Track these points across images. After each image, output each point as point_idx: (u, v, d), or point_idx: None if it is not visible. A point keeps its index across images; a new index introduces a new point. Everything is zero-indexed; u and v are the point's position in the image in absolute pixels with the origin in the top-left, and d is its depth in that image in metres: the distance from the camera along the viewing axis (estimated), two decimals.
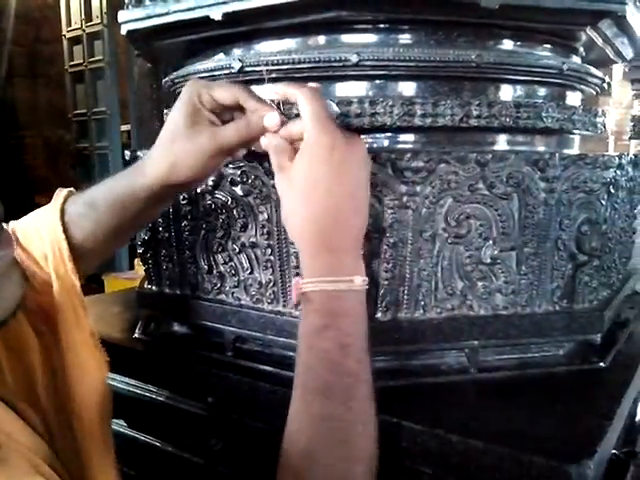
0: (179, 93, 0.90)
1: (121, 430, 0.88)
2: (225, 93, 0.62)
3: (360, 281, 0.56)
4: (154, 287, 0.87)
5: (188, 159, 0.62)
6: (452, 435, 0.59)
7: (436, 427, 0.60)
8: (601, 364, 0.77)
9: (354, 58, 0.71)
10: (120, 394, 0.83)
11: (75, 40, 4.63)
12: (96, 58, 4.49)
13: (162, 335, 0.87)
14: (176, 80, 0.88)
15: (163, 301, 0.85)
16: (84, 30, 4.52)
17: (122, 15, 0.82)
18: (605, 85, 0.91)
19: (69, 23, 4.63)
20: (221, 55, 0.82)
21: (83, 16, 4.51)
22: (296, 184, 0.57)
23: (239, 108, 0.63)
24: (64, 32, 4.68)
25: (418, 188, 0.69)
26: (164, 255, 0.84)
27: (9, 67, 5.55)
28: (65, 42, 4.70)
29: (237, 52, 0.80)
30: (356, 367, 0.54)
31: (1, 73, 5.45)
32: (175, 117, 0.63)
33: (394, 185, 0.69)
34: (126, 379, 0.85)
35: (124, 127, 4.67)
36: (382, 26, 0.73)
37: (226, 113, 0.64)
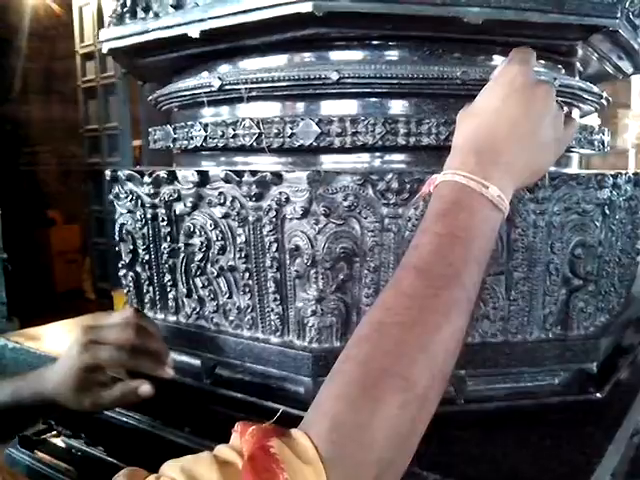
0: (164, 111, 0.89)
1: (102, 457, 0.85)
2: (111, 357, 0.69)
3: (495, 193, 0.53)
4: None
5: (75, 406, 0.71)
6: (428, 473, 0.55)
7: (412, 463, 0.57)
8: (598, 395, 0.73)
9: (334, 76, 0.68)
10: (100, 420, 0.80)
11: (88, 56, 4.68)
12: (108, 74, 4.53)
13: None
14: (160, 98, 0.87)
15: None
16: (97, 46, 4.56)
17: (103, 33, 0.80)
18: (604, 101, 0.87)
19: (82, 39, 4.68)
20: (203, 73, 0.80)
21: (96, 32, 4.55)
22: (477, 99, 0.60)
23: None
24: (77, 48, 4.73)
25: (400, 210, 0.66)
26: (145, 278, 0.82)
27: (24, 83, 5.62)
28: (78, 58, 4.75)
29: (218, 70, 0.79)
30: (459, 264, 0.50)
31: (15, 89, 5.51)
32: (60, 373, 0.70)
33: (375, 207, 0.66)
34: None
35: (135, 142, 4.69)
36: (364, 43, 0.71)
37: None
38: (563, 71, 0.82)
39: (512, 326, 0.71)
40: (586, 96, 0.81)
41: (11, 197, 4.58)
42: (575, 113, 0.85)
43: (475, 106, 0.59)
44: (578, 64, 0.84)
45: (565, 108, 0.63)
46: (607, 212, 0.73)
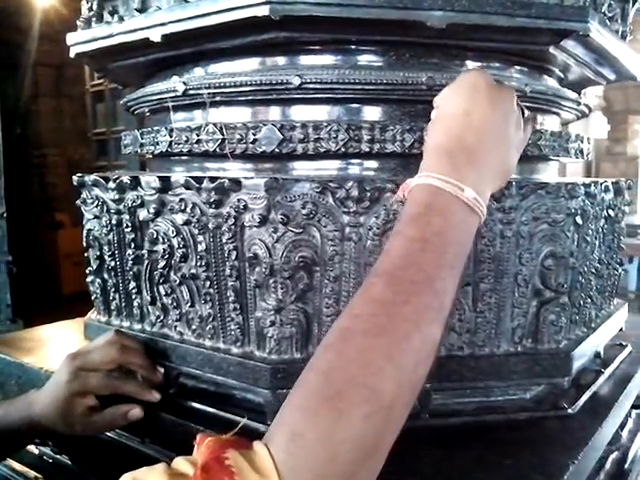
0: (137, 114, 0.88)
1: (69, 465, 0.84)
2: (99, 384, 0.71)
3: (471, 195, 0.51)
4: (102, 317, 0.84)
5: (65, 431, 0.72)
6: None
7: None
8: (569, 410, 0.71)
9: (296, 80, 0.67)
10: None
11: None
12: None
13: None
14: (129, 103, 0.86)
15: None
16: None
17: (70, 37, 0.80)
18: (584, 108, 0.85)
19: None
20: (173, 77, 0.79)
21: None
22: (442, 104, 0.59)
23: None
24: None
25: (361, 219, 0.64)
26: (111, 285, 0.80)
27: (34, 87, 5.67)
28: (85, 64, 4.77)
29: (185, 75, 0.77)
30: (432, 270, 0.48)
31: (25, 92, 5.56)
32: (49, 400, 0.71)
33: (335, 215, 0.64)
34: None
35: None
36: (328, 47, 0.70)
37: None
38: (540, 77, 0.80)
39: (479, 339, 0.69)
40: (563, 102, 0.79)
41: (19, 199, 4.61)
42: (553, 120, 0.83)
43: (443, 110, 0.58)
44: (557, 70, 0.82)
45: (526, 112, 0.62)
46: (579, 222, 0.71)
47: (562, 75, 0.85)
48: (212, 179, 0.66)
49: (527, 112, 0.62)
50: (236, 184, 0.65)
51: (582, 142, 0.83)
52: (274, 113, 0.72)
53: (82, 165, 5.48)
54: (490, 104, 0.56)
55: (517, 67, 0.76)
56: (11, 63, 5.23)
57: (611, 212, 0.81)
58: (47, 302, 5.15)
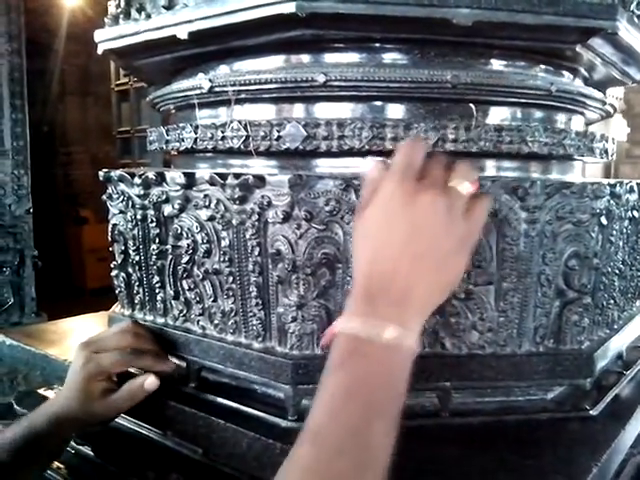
0: (162, 111, 0.89)
1: (90, 456, 0.85)
2: (113, 361, 0.73)
3: (393, 334, 0.49)
4: (125, 311, 0.85)
5: (90, 420, 0.74)
6: None
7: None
8: (591, 412, 0.70)
9: (321, 78, 0.67)
10: None
11: None
12: None
13: None
14: (156, 100, 0.87)
15: None
16: None
17: (98, 34, 0.81)
18: (609, 108, 0.84)
19: None
20: (198, 75, 0.80)
21: None
22: (359, 224, 0.56)
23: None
24: None
25: None
26: (135, 279, 0.82)
27: (61, 85, 5.75)
28: (112, 61, 4.83)
29: (211, 72, 0.78)
30: (358, 423, 0.47)
31: (53, 91, 5.64)
32: (69, 389, 0.73)
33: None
34: None
35: None
36: (353, 45, 0.70)
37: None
38: (566, 76, 0.79)
39: (500, 338, 0.68)
40: (588, 102, 0.78)
41: (45, 196, 4.69)
42: (578, 120, 0.83)
43: (363, 230, 0.56)
44: (583, 69, 0.81)
45: (468, 186, 0.55)
46: (604, 222, 0.70)
47: (587, 74, 0.84)
48: (236, 175, 0.67)
49: (468, 188, 0.55)
50: (260, 181, 0.66)
51: (607, 142, 0.82)
52: (298, 110, 0.72)
53: (106, 163, 5.55)
54: (407, 222, 0.53)
55: (542, 66, 0.76)
56: (39, 63, 5.31)
57: (635, 213, 0.80)
58: (71, 296, 5.23)
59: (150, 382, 0.73)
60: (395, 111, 0.70)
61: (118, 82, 4.87)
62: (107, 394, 0.73)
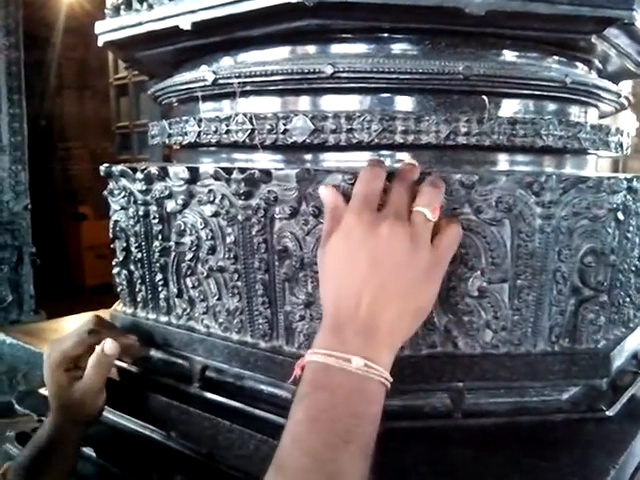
0: (164, 105, 0.87)
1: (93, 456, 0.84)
2: (72, 343, 0.73)
3: (360, 363, 0.50)
4: (127, 309, 0.83)
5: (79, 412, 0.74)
6: None
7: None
8: (608, 413, 0.68)
9: (328, 69, 0.65)
10: None
11: None
12: None
13: (137, 359, 0.83)
14: (157, 93, 0.85)
15: (136, 325, 0.81)
16: None
17: (98, 26, 0.79)
18: (624, 100, 0.82)
19: None
20: (201, 67, 0.78)
21: None
22: (322, 256, 0.57)
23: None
24: None
25: None
26: (137, 276, 0.80)
27: (59, 79, 5.72)
28: (110, 55, 4.80)
29: (214, 64, 0.76)
30: (322, 449, 0.47)
31: (50, 85, 5.61)
32: (47, 387, 0.75)
33: None
34: None
35: None
36: (361, 35, 0.68)
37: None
38: (580, 67, 0.77)
39: (515, 337, 0.66)
40: (603, 94, 0.76)
41: (43, 192, 4.66)
42: (592, 112, 0.81)
43: (326, 263, 0.57)
44: (597, 61, 0.79)
45: (434, 214, 0.56)
46: (621, 218, 0.68)
47: (601, 66, 0.82)
48: (242, 170, 0.65)
49: (431, 215, 0.56)
50: (266, 175, 0.64)
51: (622, 136, 0.80)
52: (305, 103, 0.70)
53: (105, 158, 5.51)
54: (368, 254, 0.53)
55: (556, 57, 0.73)
56: (37, 56, 5.28)
57: None
58: (70, 294, 5.21)
59: (109, 346, 0.72)
60: (405, 103, 0.68)
61: (117, 76, 4.84)
62: (76, 381, 0.73)
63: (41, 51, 5.34)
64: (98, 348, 0.73)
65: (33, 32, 4.84)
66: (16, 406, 0.95)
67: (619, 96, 0.79)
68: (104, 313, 0.93)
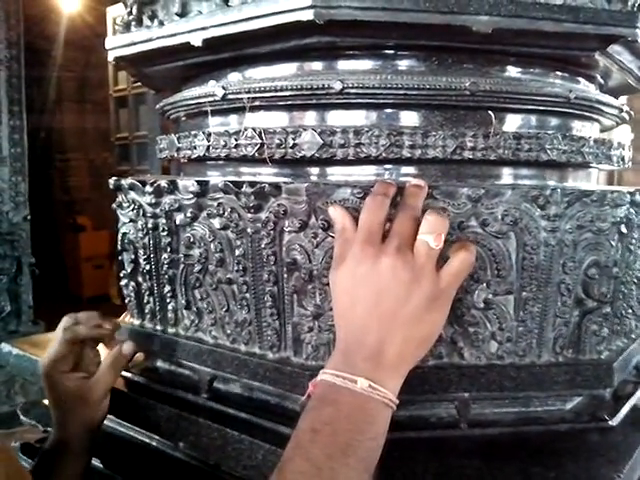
0: (173, 120, 0.88)
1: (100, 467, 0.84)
2: (59, 349, 0.74)
3: (364, 384, 0.53)
4: (135, 321, 0.83)
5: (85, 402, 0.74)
6: None
7: None
8: (610, 422, 0.69)
9: (338, 85, 0.66)
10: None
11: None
12: (139, 84, 4.59)
13: (144, 371, 0.83)
14: (166, 107, 0.86)
15: (143, 336, 0.81)
16: None
17: (109, 41, 0.80)
18: (625, 115, 0.83)
19: None
20: (209, 82, 0.79)
21: None
22: (333, 284, 0.60)
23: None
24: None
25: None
26: (145, 288, 0.80)
27: (59, 92, 5.74)
28: (110, 67, 4.83)
29: (224, 79, 0.77)
30: (319, 459, 0.50)
31: (50, 97, 5.63)
32: (47, 396, 0.76)
33: None
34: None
35: None
36: (370, 52, 0.69)
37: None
38: (582, 83, 0.78)
39: (520, 348, 0.67)
40: (605, 109, 0.77)
41: (42, 203, 4.66)
42: (594, 127, 0.82)
43: (336, 291, 0.60)
44: (599, 76, 0.81)
45: (438, 242, 0.57)
46: (624, 231, 0.69)
47: (602, 81, 0.83)
48: (252, 184, 0.66)
49: (436, 244, 0.57)
50: (276, 189, 0.65)
51: (623, 149, 0.81)
52: (314, 118, 0.71)
53: (104, 169, 5.55)
54: (371, 287, 0.56)
55: (559, 73, 0.75)
56: (37, 69, 5.30)
57: None
58: (68, 305, 5.19)
59: (127, 347, 0.75)
60: (412, 119, 0.69)
61: (116, 88, 4.86)
62: (70, 373, 0.74)
63: (42, 64, 5.36)
64: (116, 348, 0.75)
65: (34, 45, 4.87)
66: (22, 417, 0.95)
67: (621, 110, 0.81)
68: None
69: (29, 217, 3.69)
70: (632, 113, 0.86)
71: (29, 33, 3.70)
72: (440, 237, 0.57)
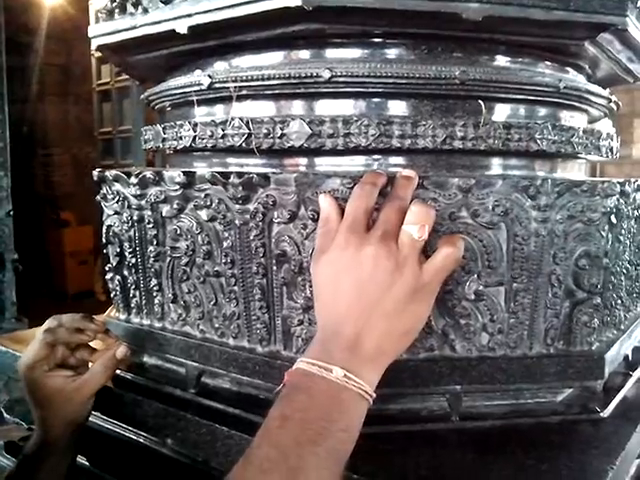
0: (158, 110, 0.87)
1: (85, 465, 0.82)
2: (38, 349, 0.72)
3: (339, 374, 0.52)
4: (121, 315, 0.82)
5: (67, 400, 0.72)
6: None
7: None
8: (602, 414, 0.69)
9: (326, 74, 0.65)
10: (84, 427, 0.78)
11: (103, 59, 4.70)
12: (123, 77, 4.55)
13: (131, 366, 0.82)
14: (151, 97, 0.84)
15: (130, 331, 0.80)
16: None
17: (92, 29, 0.78)
18: (613, 105, 0.83)
19: None
20: (195, 71, 0.77)
21: None
22: (315, 273, 0.59)
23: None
24: (93, 51, 4.75)
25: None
26: (131, 282, 0.79)
27: (41, 85, 5.67)
28: (93, 61, 4.77)
29: (209, 68, 0.76)
30: (287, 446, 0.49)
31: (32, 91, 5.55)
32: (27, 394, 0.74)
33: None
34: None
35: None
36: (358, 40, 0.68)
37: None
38: (571, 72, 0.78)
39: (511, 340, 0.67)
40: (594, 99, 0.77)
41: (25, 198, 4.60)
42: (583, 117, 0.82)
43: (317, 280, 0.59)
44: (587, 67, 0.81)
45: (422, 234, 0.56)
46: (614, 221, 0.69)
47: (590, 72, 0.83)
48: (239, 174, 0.65)
49: (422, 234, 0.56)
50: (265, 179, 0.64)
51: (612, 140, 0.81)
52: (302, 107, 0.70)
53: (87, 164, 5.48)
54: (353, 277, 0.55)
55: (548, 62, 0.74)
56: (18, 62, 5.23)
57: None
58: (52, 301, 5.15)
59: (121, 351, 0.73)
60: (402, 108, 0.68)
61: (99, 82, 4.80)
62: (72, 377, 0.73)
63: (23, 57, 5.29)
64: (110, 352, 0.73)
65: (15, 37, 4.79)
66: (5, 415, 0.93)
67: (609, 101, 0.81)
68: None
69: (12, 212, 3.64)
70: (620, 104, 0.86)
71: (10, 25, 3.63)
72: (424, 228, 0.56)
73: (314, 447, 0.49)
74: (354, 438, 0.52)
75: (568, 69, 0.77)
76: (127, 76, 4.49)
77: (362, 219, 0.57)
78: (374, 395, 0.53)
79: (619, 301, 0.77)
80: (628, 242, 0.76)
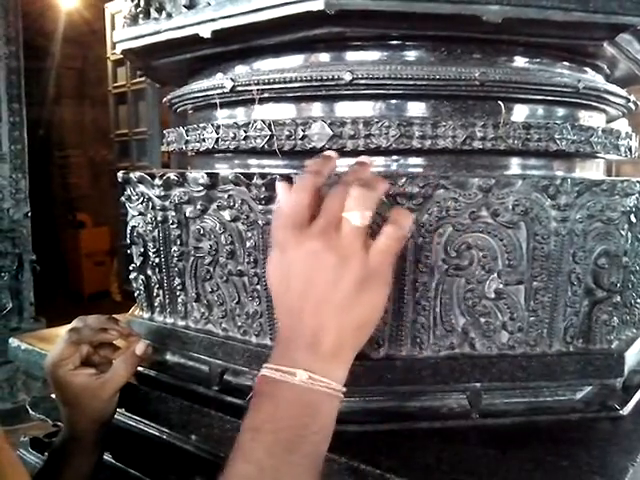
0: (179, 113, 0.88)
1: (110, 461, 0.84)
2: (64, 348, 0.74)
3: (303, 376, 0.50)
4: (145, 314, 0.84)
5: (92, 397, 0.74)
6: None
7: None
8: (620, 412, 0.69)
9: (347, 76, 0.66)
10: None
11: (119, 62, 4.76)
12: (138, 80, 4.59)
13: (154, 364, 0.83)
14: (174, 100, 0.86)
15: (153, 329, 0.81)
16: None
17: (117, 34, 0.80)
18: (632, 105, 0.83)
19: (113, 45, 4.74)
20: (217, 74, 0.79)
21: None
22: (267, 272, 0.57)
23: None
24: (108, 54, 4.81)
25: (414, 215, 0.63)
26: (155, 281, 0.80)
27: (57, 88, 5.73)
28: (109, 64, 4.82)
29: (232, 71, 0.77)
30: (264, 458, 0.48)
31: (49, 94, 5.62)
32: (54, 391, 0.75)
33: (387, 212, 0.63)
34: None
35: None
36: (379, 43, 0.69)
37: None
38: (590, 73, 0.78)
39: (531, 338, 0.67)
40: (613, 99, 0.77)
41: (42, 200, 4.66)
42: (602, 117, 0.82)
43: (269, 280, 0.57)
44: (605, 67, 0.81)
45: (363, 220, 0.53)
46: (633, 220, 0.69)
47: (609, 72, 0.83)
48: (262, 175, 0.66)
49: (363, 217, 0.52)
50: (287, 180, 0.65)
51: (631, 140, 0.81)
52: (323, 109, 0.71)
53: (104, 166, 5.54)
54: (298, 271, 0.53)
55: (566, 63, 0.75)
56: (35, 66, 5.29)
57: None
58: (69, 301, 5.21)
59: (140, 347, 0.74)
60: (422, 109, 0.69)
61: (115, 85, 4.85)
62: (74, 368, 0.74)
63: (40, 60, 5.35)
64: (130, 349, 0.74)
65: (33, 41, 4.86)
66: (30, 411, 0.95)
67: (628, 100, 0.81)
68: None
69: (30, 214, 3.69)
70: (638, 103, 0.86)
71: (28, 30, 3.69)
72: (365, 214, 0.53)
73: (289, 456, 0.49)
74: (328, 437, 0.51)
75: (587, 69, 0.78)
76: (142, 79, 4.53)
77: (300, 213, 0.54)
78: (344, 389, 0.52)
79: (638, 300, 0.77)
80: None
